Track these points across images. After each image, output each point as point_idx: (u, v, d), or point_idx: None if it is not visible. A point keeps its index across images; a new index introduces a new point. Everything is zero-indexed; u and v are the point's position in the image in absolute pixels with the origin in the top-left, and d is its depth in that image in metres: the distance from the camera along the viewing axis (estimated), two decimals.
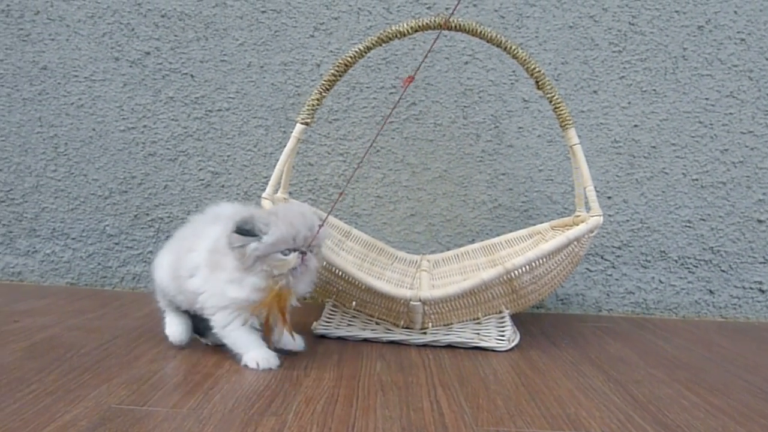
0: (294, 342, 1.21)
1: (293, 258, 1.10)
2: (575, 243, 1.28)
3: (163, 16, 1.71)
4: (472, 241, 1.70)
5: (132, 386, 0.99)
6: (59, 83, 1.75)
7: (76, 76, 1.74)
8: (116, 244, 1.76)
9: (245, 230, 1.08)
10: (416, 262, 1.65)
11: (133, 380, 1.01)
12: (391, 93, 1.70)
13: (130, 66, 1.73)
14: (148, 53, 1.73)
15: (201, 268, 1.14)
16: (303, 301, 1.70)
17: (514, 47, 1.31)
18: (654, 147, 1.71)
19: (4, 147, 1.76)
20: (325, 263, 1.27)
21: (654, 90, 1.70)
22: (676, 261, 1.73)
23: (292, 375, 1.08)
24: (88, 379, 1.01)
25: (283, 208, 1.18)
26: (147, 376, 1.04)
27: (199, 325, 1.23)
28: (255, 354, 1.12)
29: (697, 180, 1.71)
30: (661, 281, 1.73)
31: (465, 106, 1.70)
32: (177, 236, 1.26)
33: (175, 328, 1.22)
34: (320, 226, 1.12)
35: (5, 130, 1.76)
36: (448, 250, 1.70)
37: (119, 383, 1.00)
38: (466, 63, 1.70)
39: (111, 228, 1.76)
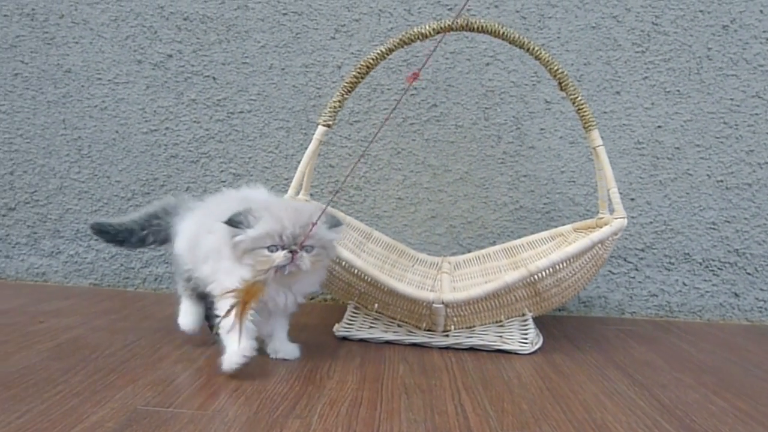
0: (286, 351, 1.20)
1: (279, 255, 1.07)
2: (599, 245, 1.27)
3: (185, 19, 1.72)
4: (494, 243, 1.69)
5: (157, 387, 0.99)
6: (83, 86, 1.76)
7: (99, 78, 1.76)
8: None
9: (235, 222, 1.07)
10: (437, 264, 1.64)
11: (158, 381, 1.02)
12: (413, 94, 1.70)
13: (153, 69, 1.74)
14: (170, 56, 1.74)
15: (212, 253, 1.13)
16: (324, 302, 1.71)
17: (536, 48, 1.30)
18: (678, 148, 1.69)
19: (29, 149, 1.78)
20: (344, 264, 1.27)
21: (678, 90, 1.68)
22: (700, 263, 1.71)
23: (315, 377, 1.08)
24: (114, 380, 1.02)
25: (279, 203, 1.16)
26: (171, 377, 1.05)
27: (211, 314, 1.24)
28: (227, 354, 1.07)
29: (721, 181, 1.69)
30: (685, 284, 1.71)
31: (486, 108, 1.70)
32: (204, 207, 1.23)
33: (188, 318, 1.24)
34: (313, 224, 1.08)
35: (30, 133, 1.78)
36: (469, 252, 1.69)
37: (144, 384, 1.00)
38: (488, 64, 1.69)
39: None
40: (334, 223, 1.16)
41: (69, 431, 0.82)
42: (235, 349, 1.05)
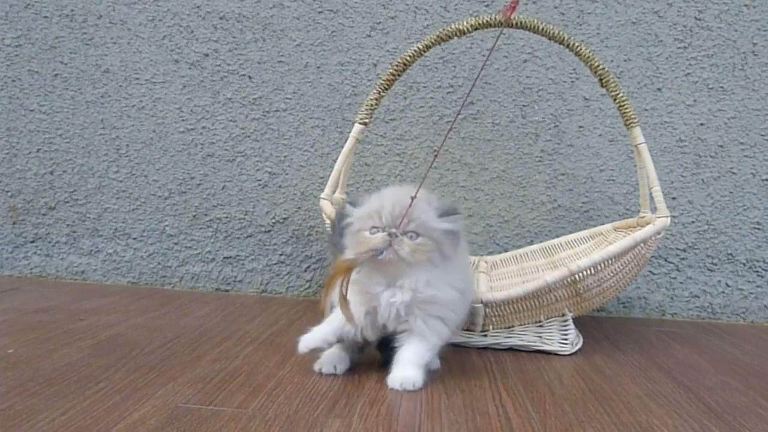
0: (399, 377, 1.03)
1: (377, 238, 1.00)
2: (642, 245, 1.24)
3: (221, 18, 1.73)
4: (531, 243, 1.67)
5: (197, 385, 0.99)
6: (121, 86, 1.78)
7: (137, 78, 1.77)
8: (175, 244, 1.79)
9: (350, 202, 1.08)
10: (474, 263, 1.63)
11: (197, 379, 1.02)
12: (449, 92, 1.68)
13: (190, 68, 1.75)
14: (206, 55, 1.75)
15: None
16: None
17: (577, 44, 1.28)
18: (721, 146, 1.65)
19: (68, 149, 1.81)
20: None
21: (721, 87, 1.64)
22: (744, 264, 1.66)
23: (354, 377, 1.08)
24: (154, 377, 1.02)
25: (397, 188, 1.09)
26: (211, 375, 1.05)
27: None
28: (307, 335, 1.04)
29: (767, 180, 1.65)
30: (728, 285, 1.67)
31: (524, 105, 1.67)
32: None
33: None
34: (412, 199, 1.00)
35: (69, 132, 1.81)
36: (506, 251, 1.67)
37: (184, 382, 1.01)
38: (525, 61, 1.67)
39: (170, 228, 1.79)
40: (448, 212, 1.04)
41: (112, 428, 0.82)
42: (314, 335, 1.04)
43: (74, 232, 1.82)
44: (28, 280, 1.81)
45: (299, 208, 1.74)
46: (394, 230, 1.00)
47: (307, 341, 1.05)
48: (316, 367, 1.09)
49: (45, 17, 1.79)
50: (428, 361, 1.06)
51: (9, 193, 1.83)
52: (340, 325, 1.03)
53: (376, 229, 1.01)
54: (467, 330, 1.30)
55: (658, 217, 1.27)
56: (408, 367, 1.03)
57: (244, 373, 1.07)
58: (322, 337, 1.05)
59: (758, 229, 1.65)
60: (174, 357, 1.14)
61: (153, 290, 1.75)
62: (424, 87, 1.69)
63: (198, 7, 1.73)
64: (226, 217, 1.76)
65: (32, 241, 1.84)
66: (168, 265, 1.79)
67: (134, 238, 1.80)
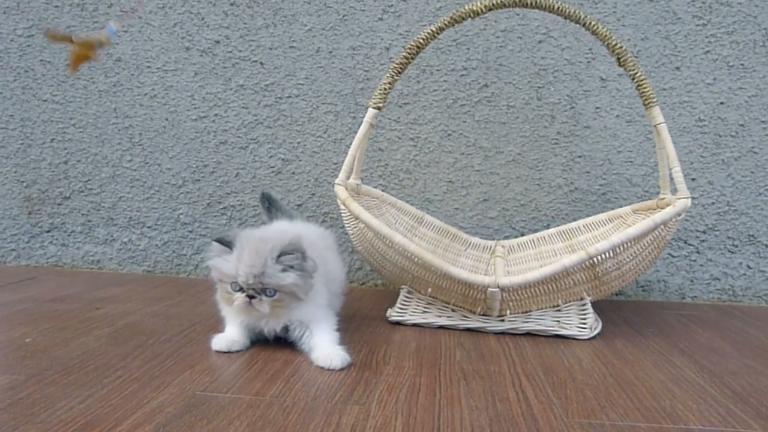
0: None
1: (238, 298, 1.07)
2: (662, 227, 1.22)
3: (232, 4, 1.71)
4: (548, 226, 1.65)
5: (214, 373, 0.99)
6: (133, 74, 1.77)
7: (148, 66, 1.76)
8: (190, 231, 1.78)
9: (224, 241, 1.08)
10: (490, 248, 1.61)
11: (214, 367, 1.02)
12: (463, 75, 1.66)
13: (201, 55, 1.74)
14: (218, 42, 1.73)
15: None
16: (375, 287, 1.70)
17: (593, 23, 1.25)
18: (742, 125, 1.62)
19: (82, 138, 1.81)
20: (397, 248, 1.24)
21: (742, 65, 1.61)
22: (766, 245, 1.64)
23: (371, 363, 1.07)
24: (171, 365, 1.02)
25: (256, 237, 1.09)
26: (228, 363, 1.04)
27: None
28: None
29: None
30: (749, 267, 1.64)
31: (539, 87, 1.65)
32: None
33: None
34: (281, 254, 1.06)
35: (83, 122, 1.80)
36: (523, 235, 1.65)
37: (201, 370, 1.00)
38: (540, 42, 1.64)
39: (185, 216, 1.78)
40: (286, 257, 1.06)
41: (130, 416, 0.82)
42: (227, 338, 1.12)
43: (89, 221, 1.83)
44: (45, 270, 1.81)
45: (313, 194, 1.73)
46: (252, 292, 1.06)
47: (222, 344, 1.11)
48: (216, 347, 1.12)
49: (56, 6, 1.78)
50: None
51: (24, 184, 1.84)
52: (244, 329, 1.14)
53: (236, 285, 1.06)
54: (484, 315, 1.29)
55: (679, 199, 1.24)
56: (333, 347, 1.08)
57: (260, 360, 1.06)
58: (233, 339, 1.12)
59: None
60: (191, 345, 1.14)
61: (168, 278, 1.75)
62: (438, 70, 1.67)
63: None
64: (240, 205, 1.76)
65: (48, 231, 1.84)
66: (183, 253, 1.79)
67: (149, 227, 1.80)
